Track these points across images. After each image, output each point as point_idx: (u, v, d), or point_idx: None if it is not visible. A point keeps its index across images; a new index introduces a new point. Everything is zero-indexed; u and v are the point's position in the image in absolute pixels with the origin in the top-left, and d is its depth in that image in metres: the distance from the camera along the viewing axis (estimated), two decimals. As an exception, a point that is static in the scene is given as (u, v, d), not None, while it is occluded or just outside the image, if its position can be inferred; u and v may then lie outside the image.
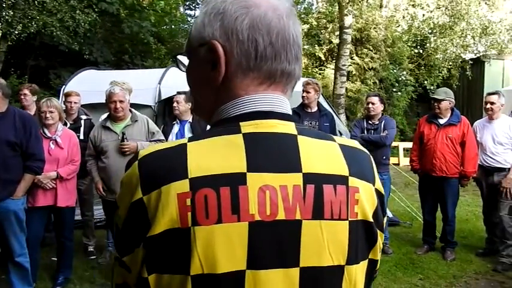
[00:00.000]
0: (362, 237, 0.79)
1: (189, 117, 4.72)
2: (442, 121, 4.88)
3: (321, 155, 0.78)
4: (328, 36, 12.76)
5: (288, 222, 0.72)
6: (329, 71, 12.62)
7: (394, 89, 12.69)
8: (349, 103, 11.51)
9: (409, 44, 13.43)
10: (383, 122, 5.04)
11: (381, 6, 12.63)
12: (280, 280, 0.72)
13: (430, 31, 13.38)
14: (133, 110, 4.13)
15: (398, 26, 13.10)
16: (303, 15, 13.33)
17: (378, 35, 12.13)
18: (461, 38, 12.32)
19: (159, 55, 13.26)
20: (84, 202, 4.90)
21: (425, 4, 12.97)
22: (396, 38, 12.52)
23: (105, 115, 4.62)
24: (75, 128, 4.67)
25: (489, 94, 4.71)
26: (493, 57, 11.99)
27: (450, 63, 12.50)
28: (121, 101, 3.87)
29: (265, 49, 0.77)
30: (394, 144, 11.53)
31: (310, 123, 4.97)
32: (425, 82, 12.92)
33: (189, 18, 17.59)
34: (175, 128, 4.68)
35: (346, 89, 10.82)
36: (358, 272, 0.79)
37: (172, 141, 0.79)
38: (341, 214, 0.75)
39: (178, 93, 4.68)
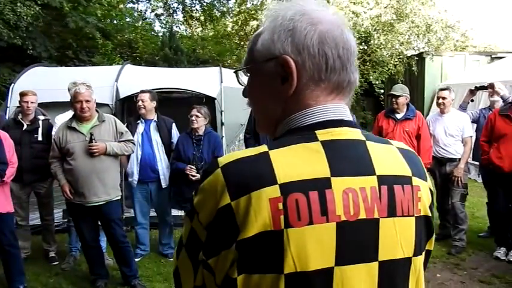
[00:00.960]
0: (423, 231, 0.88)
1: (154, 116, 4.65)
2: (399, 116, 5.13)
3: (387, 158, 0.86)
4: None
5: (368, 220, 0.79)
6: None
7: (342, 85, 13.05)
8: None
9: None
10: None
11: (328, 2, 12.96)
12: (363, 274, 0.79)
13: (373, 28, 13.93)
14: (99, 110, 4.01)
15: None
16: (252, 11, 13.40)
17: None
18: (404, 36, 12.93)
19: (106, 51, 12.83)
20: (43, 206, 4.70)
21: (365, 2, 13.50)
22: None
23: (63, 115, 4.45)
24: (33, 129, 4.47)
25: (441, 89, 5.04)
26: (432, 53, 12.73)
27: (396, 59, 13.12)
28: (87, 101, 3.75)
29: (334, 62, 0.84)
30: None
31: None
32: (371, 77, 13.46)
33: (136, 14, 17.10)
34: (140, 128, 4.60)
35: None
36: (420, 262, 0.88)
37: (251, 148, 0.82)
38: (409, 211, 0.84)
39: (143, 91, 4.58)
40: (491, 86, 5.04)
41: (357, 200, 0.78)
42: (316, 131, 0.83)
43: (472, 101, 5.79)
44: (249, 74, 0.94)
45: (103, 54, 12.53)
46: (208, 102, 6.13)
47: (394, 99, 5.10)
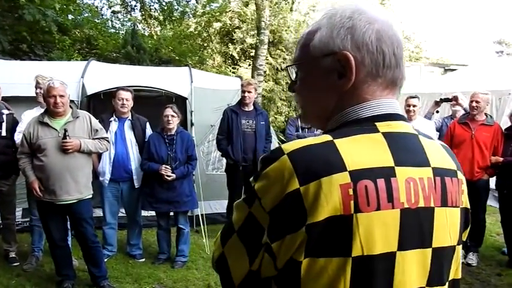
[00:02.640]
0: (463, 222, 0.95)
1: (129, 115, 4.55)
2: None
3: (436, 152, 0.93)
4: (242, 36, 13.01)
5: (426, 209, 0.86)
6: (243, 70, 12.89)
7: (304, 90, 13.36)
8: (263, 102, 11.89)
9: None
10: (315, 121, 5.35)
11: (291, 10, 13.22)
12: (419, 259, 0.85)
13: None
14: (73, 105, 3.88)
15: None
16: (216, 13, 13.41)
17: (289, 37, 12.69)
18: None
19: (63, 46, 12.37)
20: (5, 204, 4.48)
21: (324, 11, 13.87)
22: (306, 41, 13.17)
23: (31, 111, 4.28)
24: (-3, 123, 4.25)
25: (411, 97, 5.26)
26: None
27: None
28: (61, 96, 3.63)
29: (390, 59, 0.89)
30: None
31: (248, 121, 5.11)
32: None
33: (98, 9, 16.58)
34: (114, 126, 4.49)
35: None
36: (460, 251, 0.96)
37: (312, 137, 0.85)
38: (457, 202, 0.92)
39: (122, 89, 4.48)
40: (455, 98, 5.36)
41: (417, 189, 0.84)
42: (376, 123, 0.87)
43: (437, 112, 6.11)
44: (300, 69, 0.97)
45: (61, 50, 12.06)
46: (179, 102, 6.08)
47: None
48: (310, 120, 1.02)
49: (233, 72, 12.71)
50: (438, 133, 5.81)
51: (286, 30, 12.69)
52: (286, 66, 1.02)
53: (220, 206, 5.94)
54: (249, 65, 13.11)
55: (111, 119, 4.50)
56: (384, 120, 0.88)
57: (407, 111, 5.27)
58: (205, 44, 13.80)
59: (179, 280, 4.22)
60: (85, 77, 5.84)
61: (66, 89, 3.71)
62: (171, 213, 4.62)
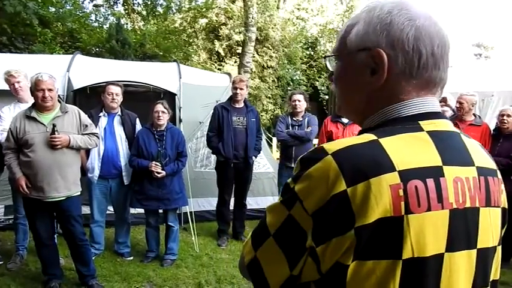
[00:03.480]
0: (502, 222, 0.93)
1: (118, 110, 4.46)
2: (345, 120, 5.32)
3: (477, 151, 0.90)
4: (228, 33, 12.93)
5: (472, 209, 0.84)
6: (229, 67, 12.81)
7: (289, 88, 13.39)
8: (249, 99, 11.86)
9: (300, 45, 14.23)
10: (306, 118, 5.35)
11: (278, 8, 13.20)
12: (465, 261, 0.83)
13: (320, 35, 14.38)
14: (62, 100, 3.77)
15: (293, 27, 13.83)
16: (203, 9, 13.28)
17: (276, 35, 12.68)
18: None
19: (45, 39, 12.07)
20: (-12, 202, 4.32)
21: (309, 9, 13.91)
22: (292, 39, 13.21)
23: (8, 108, 4.15)
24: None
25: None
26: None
27: None
28: (50, 90, 3.52)
29: (427, 59, 0.85)
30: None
31: (239, 118, 5.07)
32: (317, 83, 13.87)
33: (80, 2, 16.22)
34: (103, 121, 4.39)
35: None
36: (500, 251, 0.93)
37: (355, 137, 0.83)
38: (498, 202, 0.90)
39: (112, 84, 4.38)
40: (444, 99, 5.43)
41: (464, 189, 0.82)
42: (420, 122, 0.85)
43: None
44: (338, 61, 0.95)
45: (42, 43, 11.78)
46: (167, 98, 5.99)
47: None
48: (344, 112, 0.99)
49: (219, 69, 12.62)
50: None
51: (272, 28, 12.66)
52: (325, 57, 0.99)
53: (208, 203, 5.89)
54: (235, 62, 13.04)
55: (100, 114, 4.39)
56: (427, 119, 0.86)
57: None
58: (191, 40, 13.66)
59: (169, 278, 4.15)
60: (71, 70, 5.70)
61: (54, 82, 3.60)
62: (160, 211, 4.54)
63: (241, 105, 5.13)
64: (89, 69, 6.01)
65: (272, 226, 0.84)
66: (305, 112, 5.43)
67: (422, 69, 0.85)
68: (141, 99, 6.22)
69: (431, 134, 0.84)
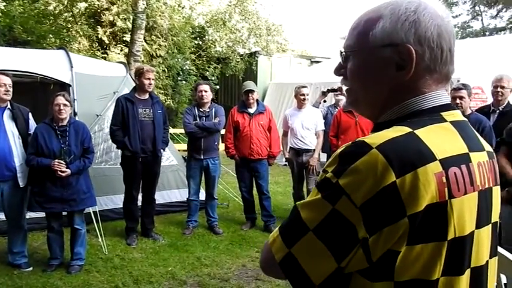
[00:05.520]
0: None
1: (7, 104, 3.92)
2: (251, 110, 5.45)
3: (480, 137, 1.01)
4: (112, 19, 12.15)
5: (489, 189, 0.95)
6: (114, 55, 12.08)
7: (180, 78, 13.12)
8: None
9: (188, 34, 14.00)
10: (213, 109, 5.30)
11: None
12: (486, 235, 0.94)
13: (207, 24, 14.31)
14: None
15: (181, 16, 13.53)
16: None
17: (164, 23, 12.28)
18: (236, 34, 13.65)
19: None
20: None
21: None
22: (180, 27, 12.91)
23: None
24: None
25: (302, 87, 5.54)
26: (263, 53, 13.81)
27: (238, 57, 13.75)
28: None
29: (447, 55, 0.93)
30: (183, 131, 11.98)
31: (145, 110, 4.84)
32: (207, 73, 13.82)
33: None
34: (-10, 115, 3.82)
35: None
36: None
37: (390, 130, 0.86)
38: (498, 181, 1.02)
39: (1, 73, 3.81)
40: (340, 89, 5.84)
41: (484, 172, 0.93)
42: (441, 113, 0.92)
43: (325, 101, 6.55)
44: (355, 56, 0.96)
45: None
46: (58, 89, 5.45)
47: (250, 95, 5.40)
48: (361, 107, 1.01)
49: (103, 58, 11.82)
50: (324, 120, 6.25)
51: (160, 16, 12.24)
52: (341, 51, 0.99)
53: (111, 202, 5.53)
54: (121, 50, 12.34)
55: (-14, 108, 3.82)
56: (446, 110, 0.93)
57: (301, 100, 5.55)
58: (69, 26, 12.54)
59: (80, 286, 3.82)
60: None
61: None
62: (64, 213, 4.14)
63: (146, 96, 4.89)
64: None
65: (312, 222, 0.85)
66: (211, 103, 5.39)
67: (443, 64, 0.92)
68: (25, 90, 5.58)
69: (454, 124, 0.92)
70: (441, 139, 0.87)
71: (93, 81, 5.73)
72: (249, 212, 5.67)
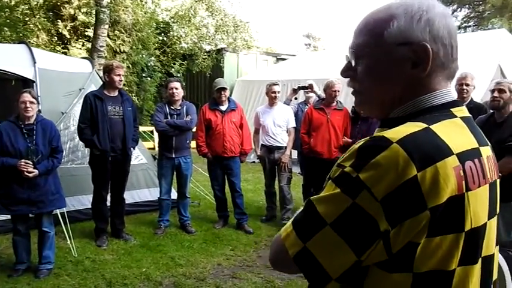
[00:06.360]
0: None
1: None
2: (223, 108, 5.40)
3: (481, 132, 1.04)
4: (73, 13, 11.73)
5: (495, 181, 0.99)
6: (75, 51, 11.68)
7: (144, 75, 12.85)
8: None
9: (152, 30, 13.72)
10: (185, 107, 5.22)
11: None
12: (494, 225, 0.98)
13: (172, 20, 14.08)
14: None
15: (145, 12, 13.24)
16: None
17: (128, 18, 11.98)
18: (201, 30, 13.50)
19: None
20: None
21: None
22: (144, 23, 12.63)
23: None
24: None
25: (274, 84, 5.54)
26: (230, 50, 13.73)
27: (204, 53, 13.58)
28: None
29: (454, 52, 0.97)
30: (149, 129, 11.76)
31: (114, 108, 4.71)
32: (172, 69, 13.60)
33: None
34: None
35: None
36: None
37: (406, 125, 0.89)
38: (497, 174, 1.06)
39: None
40: (310, 86, 5.89)
41: (491, 165, 0.98)
42: (451, 109, 0.95)
43: (296, 99, 6.58)
44: (367, 56, 0.97)
45: None
46: (19, 85, 5.22)
47: (222, 92, 5.35)
48: (373, 106, 1.02)
49: (64, 53, 11.41)
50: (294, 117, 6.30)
51: (124, 10, 11.92)
52: (352, 52, 0.98)
53: (78, 202, 5.36)
54: (83, 45, 11.94)
55: None
56: (455, 106, 0.96)
57: (272, 98, 5.56)
58: (27, 19, 12.00)
59: (50, 291, 3.68)
60: None
61: None
62: (31, 215, 3.96)
63: (116, 93, 4.75)
64: None
65: (329, 216, 0.85)
66: (182, 100, 5.30)
67: (451, 61, 0.96)
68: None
69: (463, 119, 0.95)
70: (455, 134, 0.89)
71: (58, 78, 5.52)
72: (222, 210, 5.63)
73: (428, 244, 0.83)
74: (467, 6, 22.15)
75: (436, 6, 0.95)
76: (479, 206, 0.89)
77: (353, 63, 0.99)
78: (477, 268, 0.91)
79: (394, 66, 0.94)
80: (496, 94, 3.83)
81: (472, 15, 22.04)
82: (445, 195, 0.82)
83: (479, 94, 6.32)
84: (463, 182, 0.85)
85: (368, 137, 0.88)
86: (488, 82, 6.96)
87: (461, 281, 0.88)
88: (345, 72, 1.02)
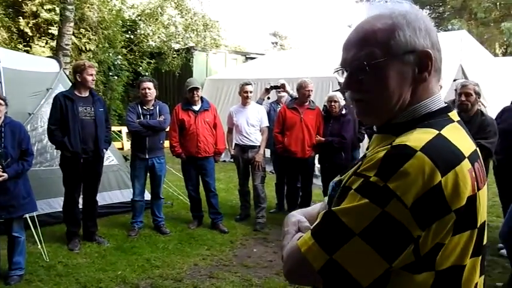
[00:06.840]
0: None
1: None
2: (196, 108, 5.38)
3: None
4: (35, 10, 11.33)
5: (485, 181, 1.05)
6: (38, 49, 11.31)
7: (111, 73, 12.58)
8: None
9: (119, 27, 13.44)
10: (157, 107, 5.17)
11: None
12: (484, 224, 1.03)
13: (139, 18, 13.84)
14: None
15: (110, 9, 12.96)
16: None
17: (93, 15, 11.69)
18: (169, 29, 13.33)
19: None
20: None
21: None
22: (110, 20, 12.35)
23: None
24: None
25: (246, 84, 5.56)
26: (199, 49, 13.63)
27: (174, 52, 13.40)
28: None
29: (441, 56, 1.02)
30: (117, 128, 11.54)
31: (85, 108, 4.62)
32: (140, 68, 13.37)
33: None
34: None
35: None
36: None
37: (420, 132, 0.94)
38: None
39: None
40: (283, 86, 5.96)
41: (482, 166, 1.03)
42: (449, 114, 1.01)
43: (269, 98, 6.61)
44: (374, 66, 0.97)
45: None
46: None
47: (195, 92, 5.32)
48: (376, 114, 1.03)
49: (26, 51, 11.00)
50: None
51: (89, 7, 11.63)
52: (367, 65, 0.97)
53: (48, 205, 5.20)
54: (47, 43, 11.56)
55: None
56: (450, 111, 1.02)
57: (245, 97, 5.57)
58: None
59: (22, 297, 3.58)
60: None
61: None
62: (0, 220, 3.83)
63: (87, 93, 4.65)
64: None
65: (357, 226, 0.87)
66: (155, 100, 5.24)
67: (440, 65, 1.02)
68: None
69: (460, 123, 1.01)
70: (460, 138, 0.95)
71: (24, 77, 5.36)
72: (196, 210, 5.61)
73: (450, 243, 0.89)
74: (428, 7, 22.88)
75: (423, 14, 1.01)
76: (483, 204, 0.96)
77: (358, 76, 0.99)
78: (479, 259, 0.98)
79: (402, 74, 0.97)
80: (463, 98, 4.00)
81: (432, 15, 22.77)
82: (464, 197, 0.88)
83: (442, 94, 6.54)
84: (475, 182, 0.92)
85: (389, 146, 0.91)
86: (450, 82, 7.24)
87: (469, 272, 0.95)
88: (348, 86, 1.03)
